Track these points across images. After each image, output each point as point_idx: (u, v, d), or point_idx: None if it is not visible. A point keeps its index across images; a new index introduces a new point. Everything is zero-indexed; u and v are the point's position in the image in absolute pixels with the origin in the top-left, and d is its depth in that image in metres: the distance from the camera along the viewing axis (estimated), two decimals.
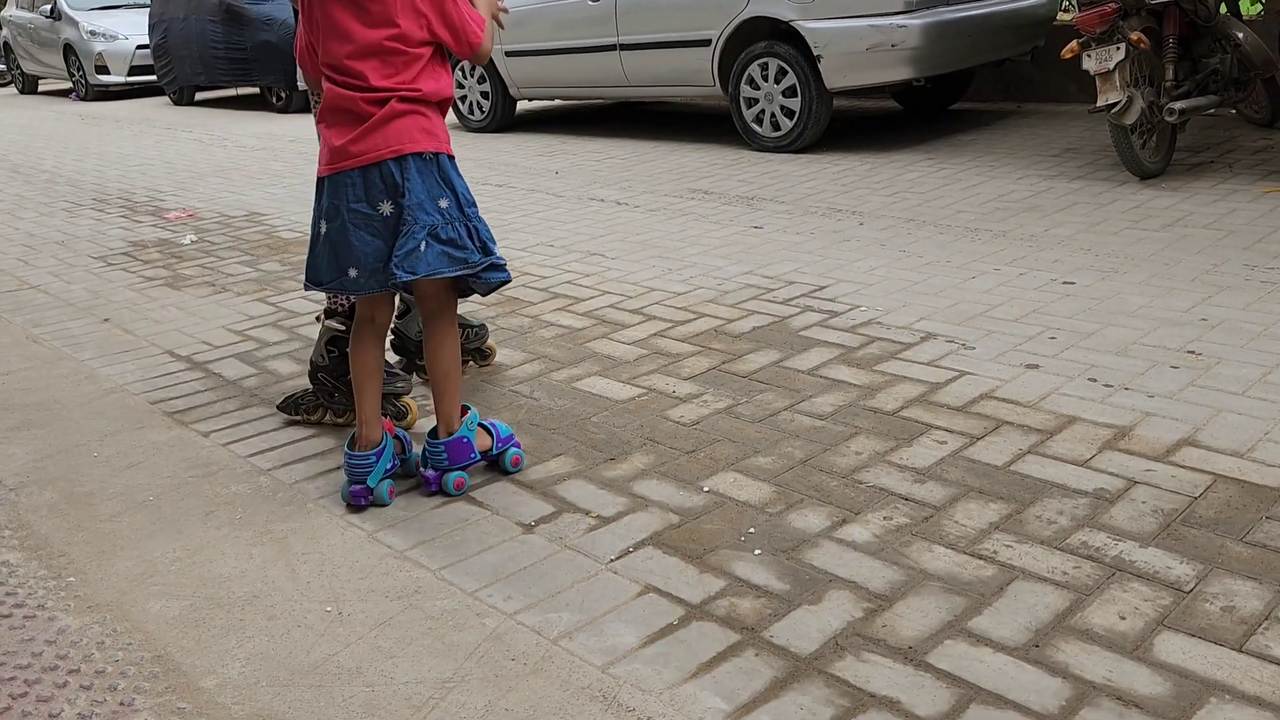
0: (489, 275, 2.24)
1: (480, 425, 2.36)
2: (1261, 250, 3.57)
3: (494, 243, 2.27)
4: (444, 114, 2.23)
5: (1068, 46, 4.57)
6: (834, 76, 5.69)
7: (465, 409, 2.34)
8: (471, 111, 7.93)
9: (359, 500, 2.25)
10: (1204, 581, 1.79)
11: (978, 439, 2.39)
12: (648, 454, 2.44)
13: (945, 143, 5.98)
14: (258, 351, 3.36)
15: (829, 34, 5.60)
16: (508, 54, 7.41)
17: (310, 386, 2.75)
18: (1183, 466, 2.19)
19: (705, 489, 2.26)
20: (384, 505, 2.26)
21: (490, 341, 3.09)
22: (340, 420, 2.72)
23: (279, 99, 10.38)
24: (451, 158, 2.21)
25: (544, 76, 7.36)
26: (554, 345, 3.21)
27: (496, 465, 2.39)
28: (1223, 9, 4.97)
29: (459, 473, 2.30)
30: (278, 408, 2.81)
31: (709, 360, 3.00)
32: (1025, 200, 4.54)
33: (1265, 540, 1.90)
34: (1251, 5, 6.55)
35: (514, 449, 2.40)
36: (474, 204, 2.24)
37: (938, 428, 2.46)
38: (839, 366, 2.88)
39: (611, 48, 6.70)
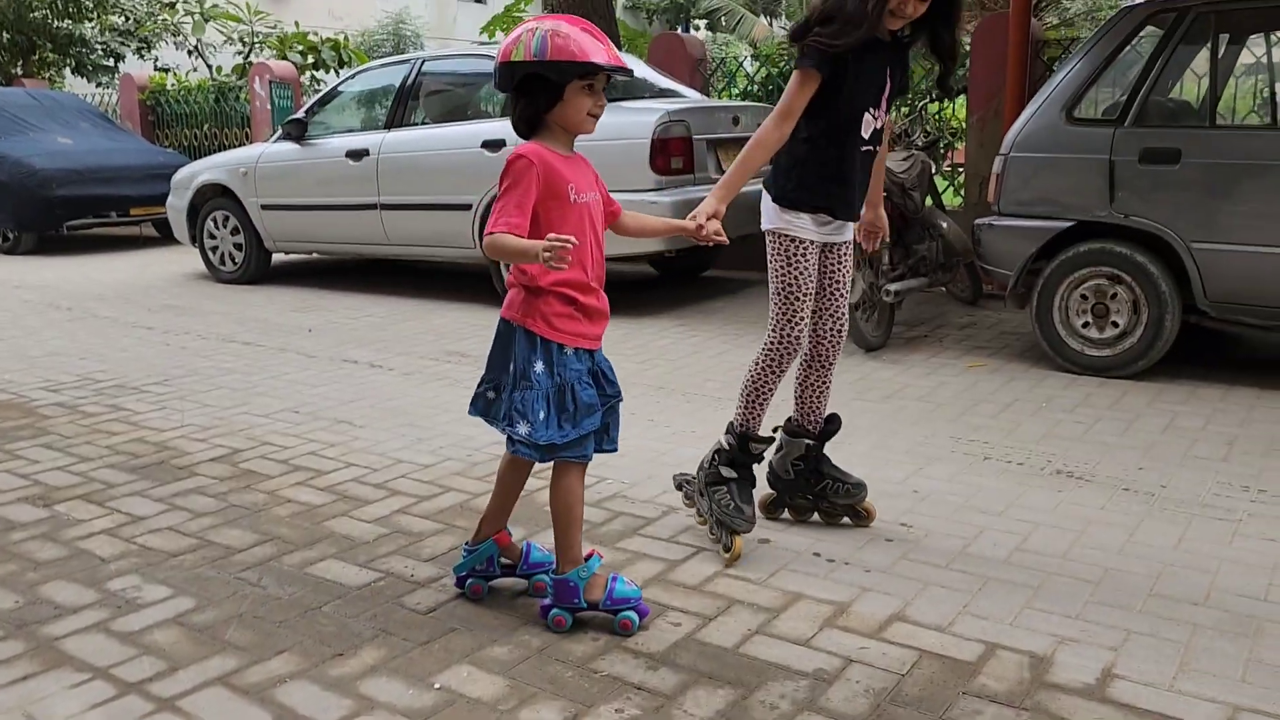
0: (509, 446, 2.42)
1: (600, 576, 2.42)
2: (965, 423, 3.95)
3: (526, 422, 2.34)
4: (538, 294, 2.34)
5: None
6: None
7: (593, 554, 2.46)
8: (223, 262, 7.67)
9: (458, 585, 2.61)
10: None
11: (710, 619, 2.45)
12: (379, 647, 2.33)
13: (696, 309, 6.32)
14: None
15: None
16: (264, 207, 7.28)
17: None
18: (893, 643, 2.32)
19: (436, 686, 2.17)
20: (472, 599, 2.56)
21: (868, 503, 3.01)
22: (697, 522, 2.96)
23: (5, 239, 9.64)
24: (529, 332, 2.33)
25: (302, 231, 7.25)
26: (289, 525, 3.06)
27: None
28: (929, 202, 5.62)
29: (560, 610, 2.40)
30: (673, 477, 3.16)
31: (452, 539, 2.94)
32: None
33: (960, 717, 2.03)
34: (954, 197, 7.44)
35: (628, 613, 2.38)
36: (529, 383, 2.34)
37: (674, 608, 2.51)
38: (583, 545, 2.89)
39: (372, 207, 6.72)
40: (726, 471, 2.87)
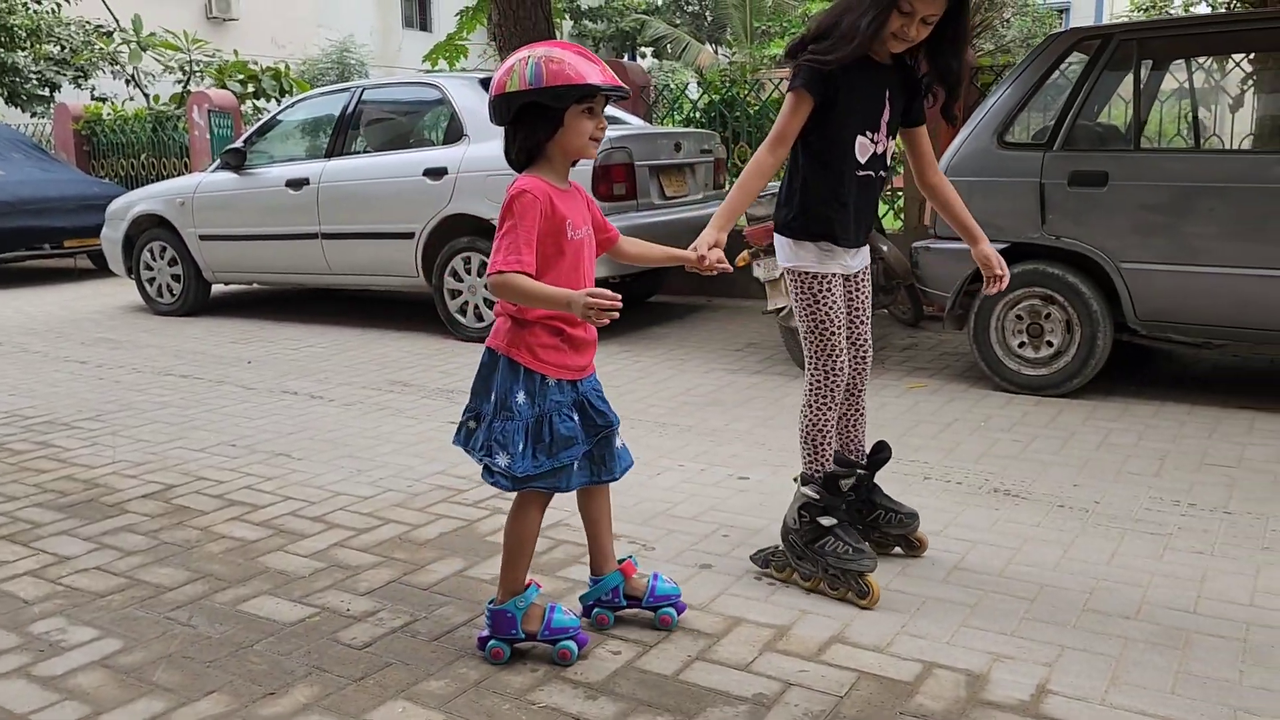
0: (487, 476, 2.35)
1: (538, 606, 2.39)
2: (905, 444, 3.98)
3: (505, 453, 2.29)
4: (524, 325, 2.31)
5: (740, 256, 5.02)
6: None
7: (530, 584, 2.43)
8: (160, 294, 7.53)
9: (584, 615, 2.56)
10: None
11: (651, 647, 2.43)
12: (312, 685, 2.28)
13: (641, 335, 6.32)
14: None
15: None
16: (202, 237, 7.18)
17: (781, 545, 2.78)
18: (831, 665, 2.33)
19: None
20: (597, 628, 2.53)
21: (920, 533, 2.91)
22: (805, 585, 2.70)
23: None
24: (513, 362, 2.30)
25: (242, 261, 7.16)
26: (222, 561, 2.99)
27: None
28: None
29: (497, 642, 2.37)
30: (750, 558, 2.87)
31: (390, 572, 2.90)
32: (710, 394, 4.85)
33: None
34: (894, 221, 7.56)
35: (566, 643, 2.36)
36: (510, 413, 2.30)
37: (613, 637, 2.49)
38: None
39: (313, 236, 6.65)
40: (827, 520, 2.69)
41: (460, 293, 6.21)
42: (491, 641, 2.38)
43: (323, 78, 19.61)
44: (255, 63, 12.55)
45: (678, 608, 2.54)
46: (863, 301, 2.82)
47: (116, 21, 14.86)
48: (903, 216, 7.30)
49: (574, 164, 2.36)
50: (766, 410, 4.54)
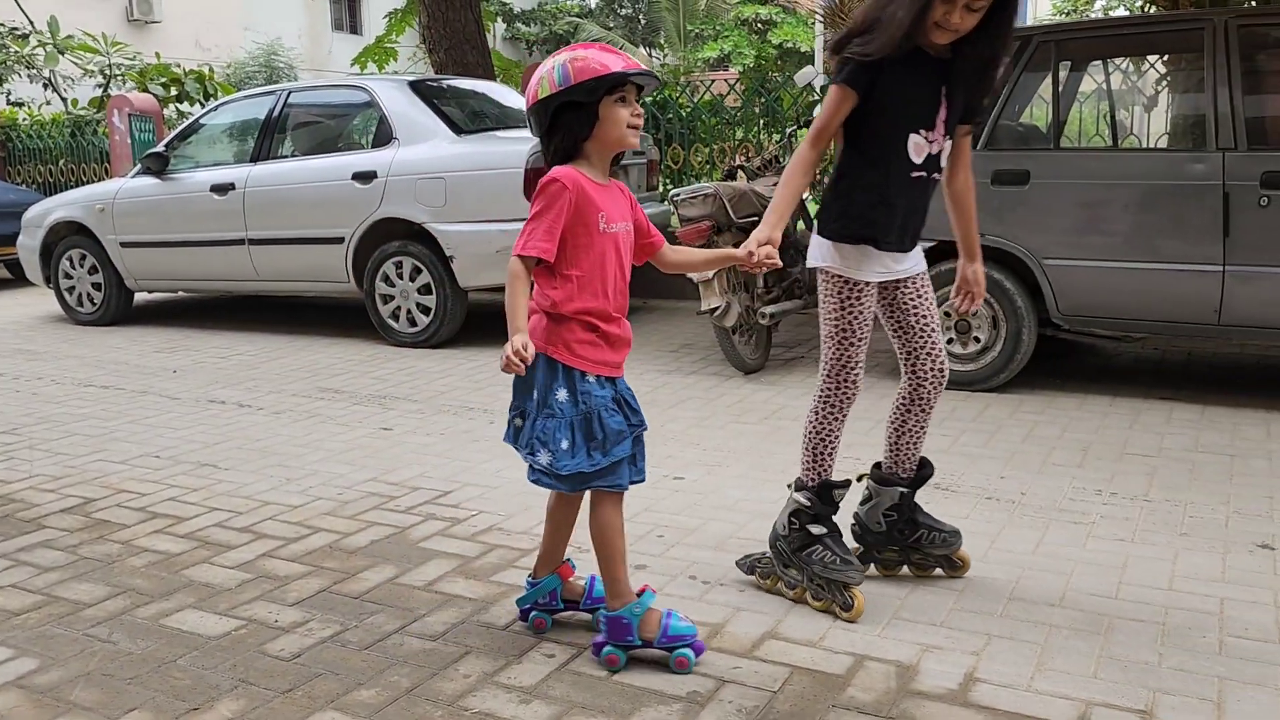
0: (530, 475, 2.37)
1: (655, 612, 2.35)
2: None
3: (547, 450, 2.29)
4: (560, 322, 2.30)
5: None
6: (466, 276, 5.88)
7: (645, 590, 2.40)
8: (80, 303, 7.32)
9: (521, 619, 2.56)
10: None
11: (585, 649, 2.42)
12: (238, 698, 2.23)
13: None
14: None
15: (460, 237, 5.81)
16: (123, 245, 7.00)
17: (769, 552, 2.72)
18: (765, 661, 2.34)
19: None
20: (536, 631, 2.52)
21: (963, 551, 2.76)
22: (790, 594, 2.64)
23: None
24: (551, 360, 2.29)
25: (165, 269, 6.99)
26: (144, 575, 2.91)
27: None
28: (800, 225, 5.76)
29: (613, 649, 2.34)
30: (736, 564, 2.81)
31: (320, 581, 2.84)
32: (645, 395, 4.85)
33: None
34: None
35: (684, 650, 2.32)
36: (551, 411, 2.29)
37: (548, 640, 2.47)
38: (456, 579, 2.84)
39: (240, 242, 6.52)
40: (817, 529, 2.61)
41: (392, 298, 6.13)
42: (608, 648, 2.35)
43: (250, 81, 19.26)
44: (178, 66, 12.28)
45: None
46: (928, 308, 2.64)
47: (31, 23, 14.42)
48: None
49: (616, 161, 2.38)
50: (701, 411, 4.56)
